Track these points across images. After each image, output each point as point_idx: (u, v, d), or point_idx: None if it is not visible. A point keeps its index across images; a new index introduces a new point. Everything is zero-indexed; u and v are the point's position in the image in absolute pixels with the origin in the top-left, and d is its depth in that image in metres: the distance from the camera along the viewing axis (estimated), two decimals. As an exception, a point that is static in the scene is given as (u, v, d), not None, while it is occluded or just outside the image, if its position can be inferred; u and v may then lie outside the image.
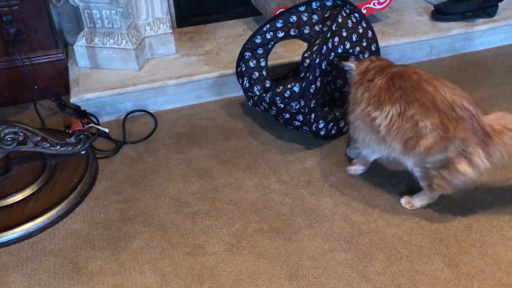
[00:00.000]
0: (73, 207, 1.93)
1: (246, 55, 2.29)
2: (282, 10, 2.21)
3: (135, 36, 2.46)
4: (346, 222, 1.84)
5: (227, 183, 2.04)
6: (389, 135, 1.75)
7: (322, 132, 2.19)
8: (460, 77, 2.70)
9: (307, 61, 2.04)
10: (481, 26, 2.87)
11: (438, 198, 1.89)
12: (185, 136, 2.32)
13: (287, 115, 2.16)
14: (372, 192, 1.97)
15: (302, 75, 2.06)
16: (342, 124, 2.26)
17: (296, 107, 2.10)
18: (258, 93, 2.26)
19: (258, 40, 2.25)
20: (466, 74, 2.73)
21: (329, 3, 2.16)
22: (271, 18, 2.22)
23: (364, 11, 2.78)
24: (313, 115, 2.10)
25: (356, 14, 2.17)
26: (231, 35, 2.83)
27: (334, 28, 2.06)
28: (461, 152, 1.67)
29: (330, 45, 2.07)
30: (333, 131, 2.25)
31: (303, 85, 2.04)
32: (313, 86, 2.04)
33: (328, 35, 2.04)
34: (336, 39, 2.08)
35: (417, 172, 1.82)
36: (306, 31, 2.16)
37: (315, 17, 2.15)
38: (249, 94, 2.30)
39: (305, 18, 2.17)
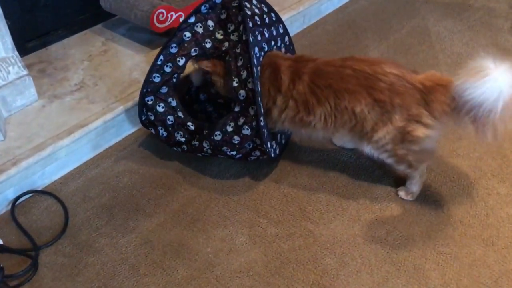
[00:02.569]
0: None
1: (148, 100, 1.79)
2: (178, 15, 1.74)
3: (-16, 94, 1.68)
4: (370, 240, 1.63)
5: (217, 250, 1.60)
6: (328, 129, 1.71)
7: (278, 151, 1.87)
8: (343, 41, 2.64)
9: (242, 92, 1.65)
10: (340, -17, 2.83)
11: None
12: (117, 207, 1.73)
13: (240, 155, 1.78)
14: (366, 193, 1.78)
15: (237, 109, 1.68)
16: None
17: (251, 146, 1.74)
18: (183, 139, 1.81)
19: (157, 79, 1.78)
20: (346, 36, 2.67)
21: (218, 0, 1.76)
22: (163, 46, 1.75)
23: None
24: (269, 144, 1.76)
25: (255, 1, 1.81)
26: (93, 54, 2.19)
27: (251, 39, 1.66)
28: (408, 118, 1.59)
29: (256, 61, 1.67)
30: (283, 141, 1.95)
31: (254, 124, 1.67)
32: (261, 118, 1.67)
33: (252, 52, 1.65)
34: (256, 50, 1.70)
35: (387, 159, 1.72)
36: (209, 45, 1.75)
37: (210, 23, 1.75)
38: (172, 142, 1.84)
39: (200, 30, 1.75)
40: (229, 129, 1.70)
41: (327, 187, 1.82)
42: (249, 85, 1.65)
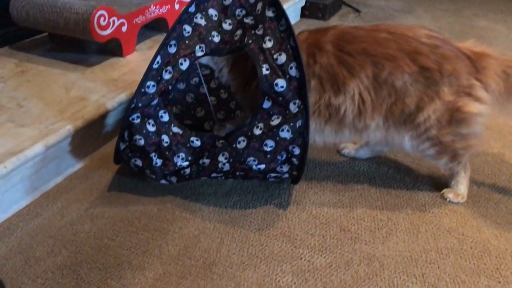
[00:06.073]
0: None
1: (133, 119, 1.28)
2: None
3: None
4: (446, 253, 1.23)
5: (261, 299, 1.08)
6: (364, 114, 1.35)
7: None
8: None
9: (281, 82, 1.23)
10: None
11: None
12: (85, 266, 1.13)
13: (264, 169, 1.31)
14: (409, 202, 1.41)
15: (267, 106, 1.25)
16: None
17: (283, 158, 1.30)
18: (185, 163, 1.32)
19: (152, 89, 1.29)
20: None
21: None
22: (160, 45, 1.29)
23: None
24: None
25: None
26: (5, 76, 1.61)
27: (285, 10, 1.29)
28: (458, 90, 1.33)
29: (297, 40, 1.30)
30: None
31: (298, 124, 1.26)
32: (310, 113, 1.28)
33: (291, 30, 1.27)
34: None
35: (428, 151, 1.40)
36: (217, 39, 1.32)
37: (212, 12, 1.33)
38: (169, 172, 1.32)
39: (202, 22, 1.31)
40: (257, 132, 1.25)
41: (361, 201, 1.41)
42: (291, 72, 1.24)
